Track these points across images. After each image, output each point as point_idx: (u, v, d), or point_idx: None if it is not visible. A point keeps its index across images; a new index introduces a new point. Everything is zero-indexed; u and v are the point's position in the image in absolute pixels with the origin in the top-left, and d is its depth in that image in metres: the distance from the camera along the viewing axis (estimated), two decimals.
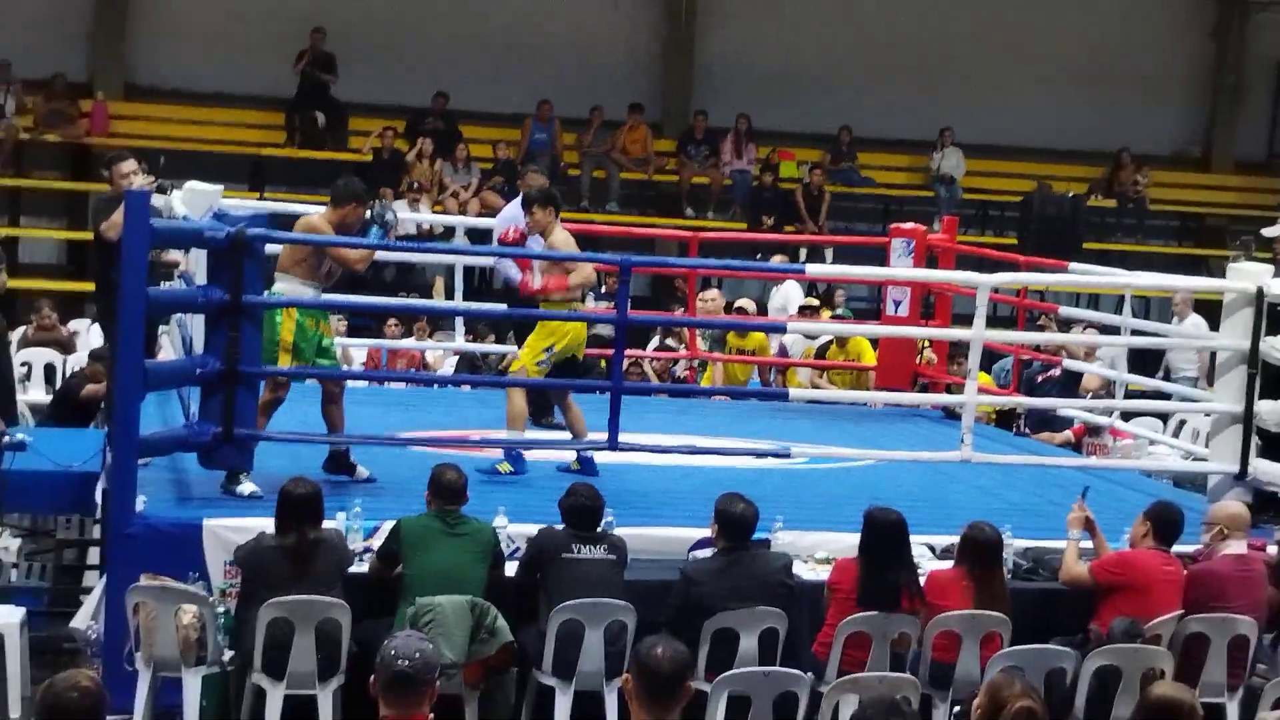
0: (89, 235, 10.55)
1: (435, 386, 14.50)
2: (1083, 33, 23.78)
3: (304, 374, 9.57)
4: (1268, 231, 17.61)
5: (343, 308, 10.67)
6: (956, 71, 23.29)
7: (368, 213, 9.60)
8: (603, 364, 14.32)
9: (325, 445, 9.76)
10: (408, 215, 18.85)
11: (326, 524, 8.14)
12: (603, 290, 17.78)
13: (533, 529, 8.49)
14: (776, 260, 17.75)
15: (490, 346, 15.08)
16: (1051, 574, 8.92)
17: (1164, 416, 13.89)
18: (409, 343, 15.43)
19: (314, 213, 9.85)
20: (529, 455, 10.29)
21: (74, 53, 21.00)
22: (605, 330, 16.02)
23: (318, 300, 9.56)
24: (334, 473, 9.59)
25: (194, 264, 10.63)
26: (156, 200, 9.50)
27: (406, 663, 5.05)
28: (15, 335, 14.49)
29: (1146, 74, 23.99)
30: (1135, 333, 12.68)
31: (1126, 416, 12.76)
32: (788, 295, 16.12)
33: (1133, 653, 7.99)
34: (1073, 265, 13.32)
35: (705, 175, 22.10)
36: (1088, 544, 8.84)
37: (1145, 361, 15.73)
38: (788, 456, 10.42)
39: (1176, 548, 8.75)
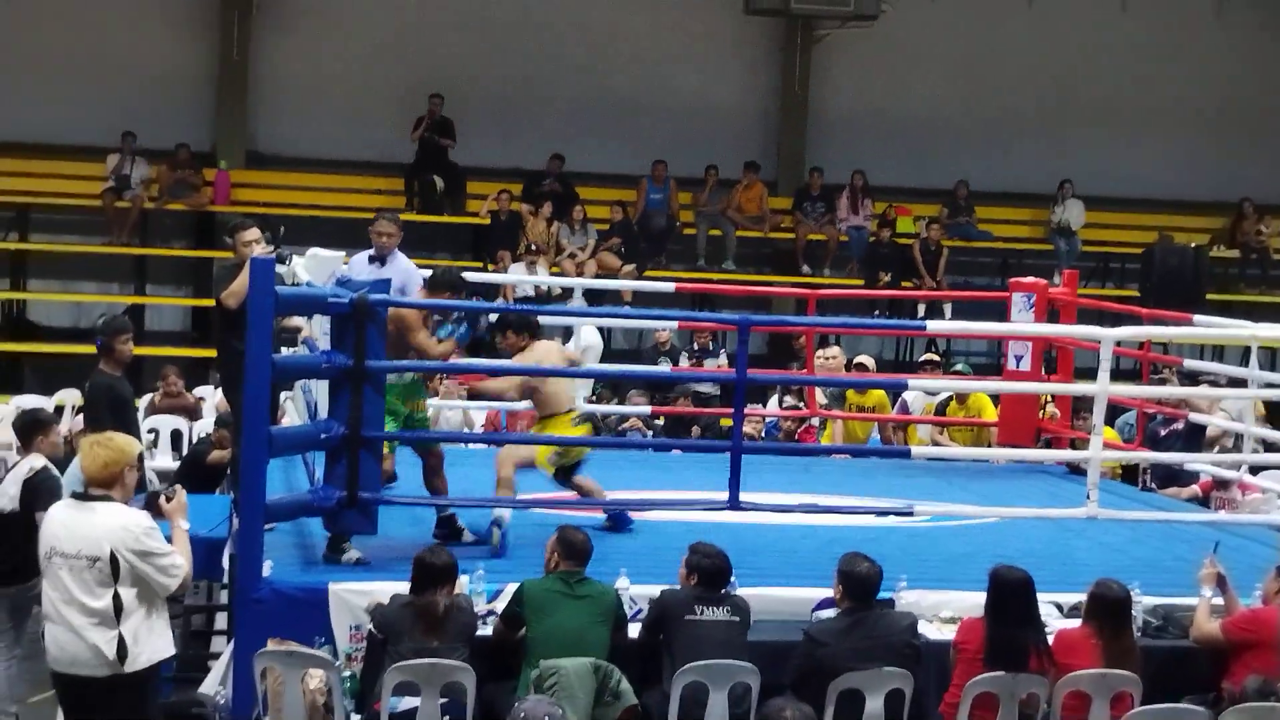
0: (212, 302, 10.71)
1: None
2: (1202, 82, 23.58)
3: (427, 438, 9.62)
4: None
5: (463, 371, 10.72)
6: (1074, 123, 23.17)
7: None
8: (724, 423, 14.31)
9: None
10: (524, 278, 19.00)
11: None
12: (695, 347, 17.77)
13: (655, 590, 8.48)
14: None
15: (610, 408, 15.12)
16: (1182, 631, 8.79)
17: None
18: (528, 404, 15.44)
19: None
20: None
21: (197, 123, 21.37)
22: (706, 389, 16.08)
23: (433, 365, 9.63)
24: (444, 539, 9.64)
25: (317, 329, 10.74)
26: (279, 269, 9.61)
27: None
28: (142, 402, 14.70)
29: (1267, 123, 23.73)
30: (1266, 385, 12.48)
31: (1255, 470, 12.53)
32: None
33: (1267, 711, 7.83)
34: (1197, 317, 13.17)
35: (821, 232, 22.08)
36: (1219, 601, 8.70)
37: (1274, 415, 15.48)
38: (910, 515, 10.35)
39: None
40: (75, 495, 7.69)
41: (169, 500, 7.66)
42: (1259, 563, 9.46)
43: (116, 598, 7.26)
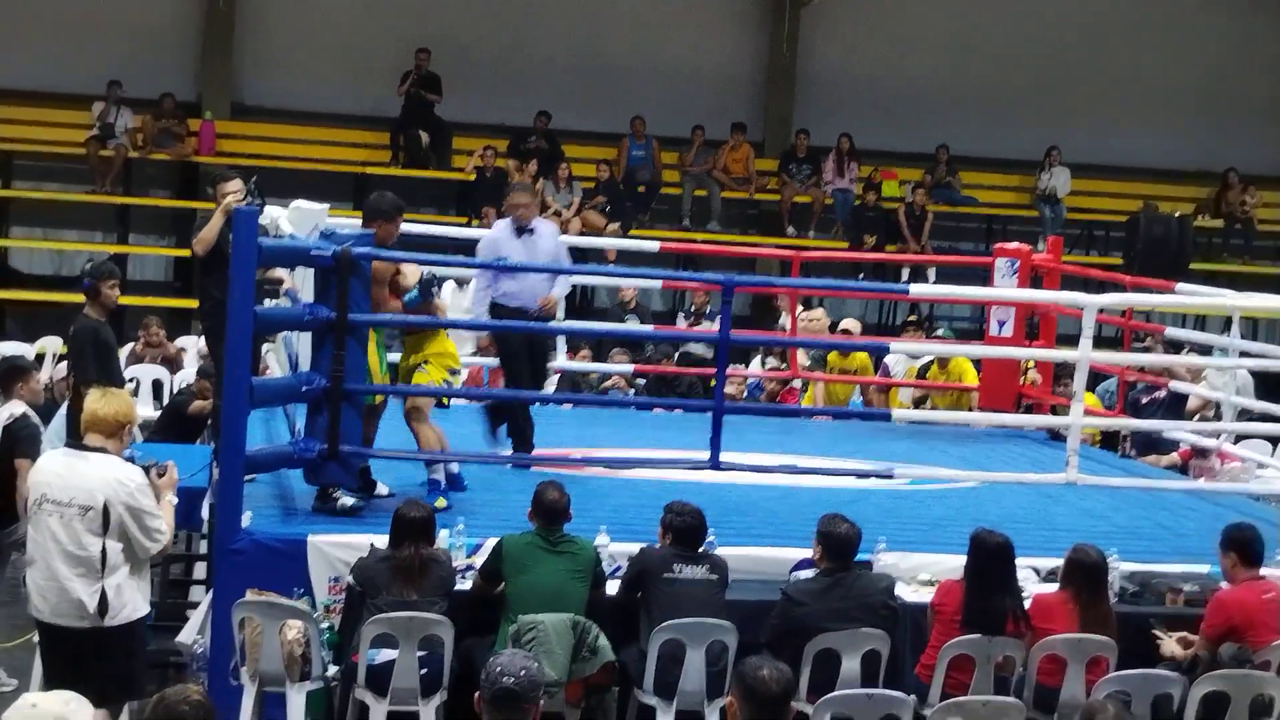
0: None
1: (536, 405, 14.51)
2: (1190, 52, 23.59)
3: (407, 391, 9.59)
4: None
5: (444, 327, 10.64)
6: (1062, 90, 23.15)
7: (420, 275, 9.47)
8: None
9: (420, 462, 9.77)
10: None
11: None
12: (692, 309, 17.77)
13: (634, 548, 8.49)
14: None
15: (590, 365, 15.10)
16: (1158, 598, 8.83)
17: (1274, 439, 13.67)
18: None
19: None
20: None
21: (182, 73, 21.28)
22: (697, 349, 16.08)
23: (419, 320, 9.60)
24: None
25: (299, 281, 10.71)
26: (262, 219, 9.58)
27: (512, 680, 5.06)
28: (124, 351, 14.66)
29: (1254, 94, 23.75)
30: (1243, 354, 12.52)
31: (1235, 439, 12.57)
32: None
33: (1241, 678, 7.88)
34: (1179, 286, 13.19)
35: (807, 194, 22.06)
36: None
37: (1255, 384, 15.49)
38: (890, 477, 10.37)
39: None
40: (70, 445, 7.66)
41: (161, 475, 7.65)
42: None
43: (104, 550, 7.25)
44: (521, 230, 10.83)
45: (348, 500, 9.12)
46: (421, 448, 9.61)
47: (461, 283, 15.44)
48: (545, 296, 10.79)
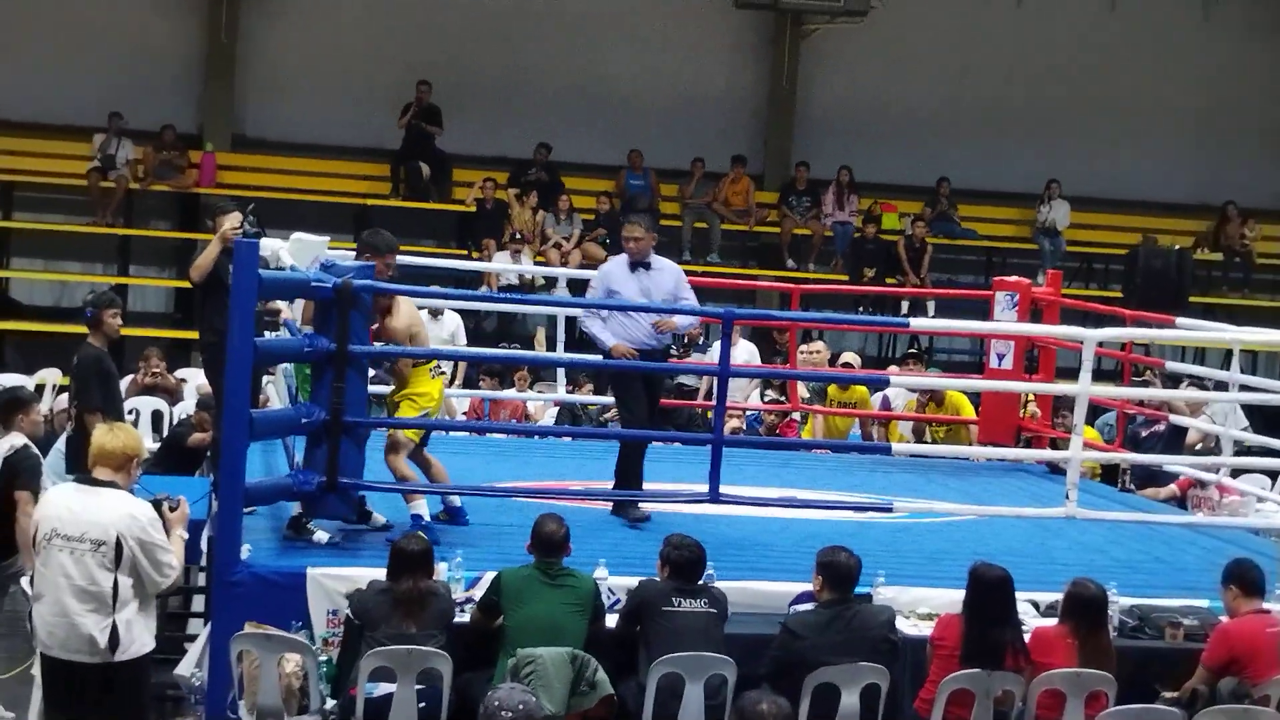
0: None
1: (535, 437, 14.52)
2: (1190, 85, 23.65)
3: (410, 424, 9.58)
4: None
5: (443, 357, 10.65)
6: (1061, 123, 23.22)
7: None
8: (708, 415, 14.31)
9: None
10: (509, 267, 19.01)
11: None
12: (684, 340, 17.77)
13: (633, 581, 8.49)
14: None
15: (590, 397, 15.12)
16: (1158, 632, 8.82)
17: (1273, 473, 13.66)
18: (510, 393, 15.49)
19: None
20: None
21: (184, 105, 21.34)
22: (688, 380, 16.07)
23: (425, 350, 9.61)
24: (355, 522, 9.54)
25: (297, 313, 10.70)
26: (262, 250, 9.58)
27: (510, 714, 5.07)
28: (124, 383, 14.66)
29: (1253, 127, 23.81)
30: (1243, 388, 12.52)
31: (1235, 473, 12.56)
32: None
33: (1241, 714, 7.86)
34: (1179, 320, 13.19)
35: (807, 227, 22.09)
36: None
37: (1252, 417, 15.50)
38: (890, 511, 10.36)
39: None
40: (79, 478, 7.61)
41: (173, 509, 7.60)
42: None
43: (115, 585, 7.20)
44: (636, 265, 10.51)
45: (323, 535, 9.12)
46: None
47: (436, 313, 15.50)
48: (664, 319, 10.40)
